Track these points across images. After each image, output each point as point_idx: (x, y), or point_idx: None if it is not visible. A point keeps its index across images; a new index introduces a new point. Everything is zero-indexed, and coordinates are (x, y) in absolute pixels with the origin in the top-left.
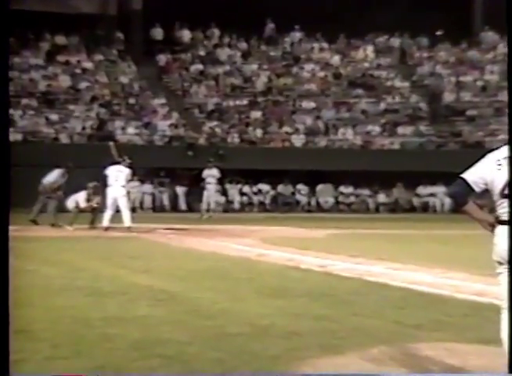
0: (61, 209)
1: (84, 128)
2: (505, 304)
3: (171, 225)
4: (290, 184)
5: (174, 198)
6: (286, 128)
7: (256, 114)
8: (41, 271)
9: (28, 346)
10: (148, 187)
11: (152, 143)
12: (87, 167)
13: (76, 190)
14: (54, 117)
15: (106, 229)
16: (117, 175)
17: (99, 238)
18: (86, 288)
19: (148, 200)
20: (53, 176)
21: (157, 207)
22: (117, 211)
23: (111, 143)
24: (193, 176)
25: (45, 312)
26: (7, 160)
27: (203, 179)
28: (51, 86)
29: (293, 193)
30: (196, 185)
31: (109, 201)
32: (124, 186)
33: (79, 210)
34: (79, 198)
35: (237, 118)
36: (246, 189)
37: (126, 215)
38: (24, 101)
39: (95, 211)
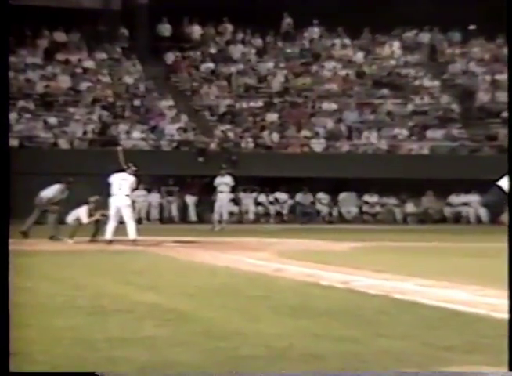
0: (60, 221)
1: (85, 133)
2: None
3: (180, 237)
4: (309, 193)
5: (183, 208)
6: (304, 132)
7: (272, 117)
8: (39, 288)
9: (26, 368)
10: (155, 196)
11: (159, 149)
12: (89, 175)
13: (77, 204)
14: (53, 120)
15: (110, 242)
16: (121, 184)
17: (101, 252)
18: (88, 307)
19: (155, 211)
20: (52, 191)
21: (165, 219)
22: (121, 222)
23: (119, 148)
24: (204, 184)
25: (44, 333)
26: (7, 176)
27: (214, 188)
28: (49, 87)
29: (313, 203)
30: (207, 194)
31: (112, 212)
32: (128, 196)
33: (80, 223)
34: (80, 213)
35: (251, 121)
36: (261, 198)
37: (131, 226)
38: (20, 103)
39: (99, 224)
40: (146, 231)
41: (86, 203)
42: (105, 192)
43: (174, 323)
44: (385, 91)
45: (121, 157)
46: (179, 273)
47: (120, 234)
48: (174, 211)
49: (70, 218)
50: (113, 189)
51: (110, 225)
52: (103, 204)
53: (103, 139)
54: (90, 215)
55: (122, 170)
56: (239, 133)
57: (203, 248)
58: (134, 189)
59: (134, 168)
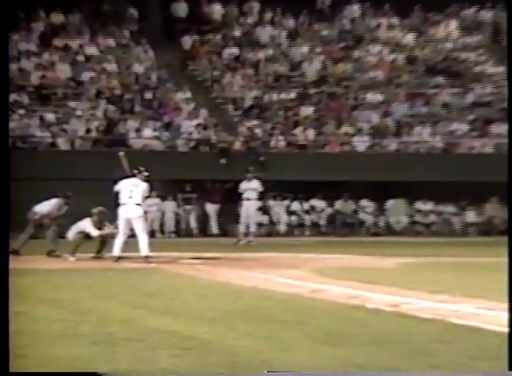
0: (60, 235)
1: (88, 131)
2: None
3: (199, 253)
4: (351, 199)
5: (203, 219)
6: (345, 128)
7: (307, 110)
8: (36, 313)
9: None
10: (170, 205)
11: (174, 149)
12: (92, 180)
13: (79, 216)
14: (50, 117)
15: (117, 259)
16: (132, 191)
17: (108, 271)
18: (93, 335)
19: (170, 222)
20: (48, 207)
21: (182, 231)
22: (131, 235)
23: (121, 154)
24: (227, 191)
25: (42, 365)
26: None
27: (240, 194)
28: (46, 78)
29: (355, 212)
30: (230, 202)
31: (121, 224)
32: (139, 205)
33: (85, 235)
34: (85, 227)
35: (283, 116)
36: (295, 206)
37: (143, 240)
38: (12, 97)
39: (105, 240)
40: (159, 246)
41: (89, 215)
42: (112, 201)
43: (193, 353)
44: (440, 79)
45: (125, 163)
46: (199, 295)
47: (129, 250)
48: (193, 223)
49: (71, 233)
50: (123, 198)
51: (119, 240)
52: (109, 217)
53: (109, 138)
54: (98, 228)
55: (132, 175)
56: (269, 130)
57: (227, 266)
58: (146, 198)
59: (146, 173)
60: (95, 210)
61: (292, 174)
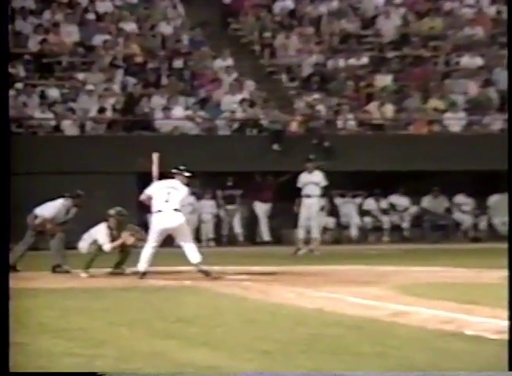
0: (68, 245)
1: (102, 111)
2: None
3: (247, 266)
4: (442, 195)
5: (250, 222)
6: (434, 102)
7: (383, 80)
8: (39, 345)
9: None
10: (208, 205)
11: (212, 132)
12: (107, 174)
13: (92, 221)
14: (53, 93)
15: (143, 275)
16: (169, 194)
17: (130, 290)
18: (110, 372)
19: (208, 227)
20: (52, 209)
21: (224, 238)
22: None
23: (156, 155)
24: (282, 185)
25: None
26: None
27: (298, 190)
28: (47, 43)
29: (448, 210)
30: (286, 200)
31: (153, 234)
32: (178, 211)
33: (100, 248)
34: (98, 235)
35: (352, 87)
36: (369, 204)
37: (190, 248)
38: None
39: (127, 250)
40: None
41: (105, 219)
42: (133, 201)
43: None
44: None
45: (155, 167)
46: (247, 320)
47: (157, 262)
48: (237, 227)
49: (84, 243)
50: (157, 203)
51: (147, 251)
52: (130, 220)
53: (129, 119)
54: (112, 236)
55: (171, 176)
56: (334, 106)
57: (283, 283)
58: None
59: (187, 174)
60: (111, 211)
61: (365, 163)
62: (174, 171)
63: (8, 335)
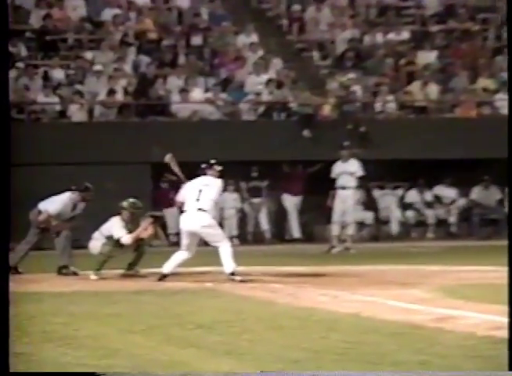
0: (76, 244)
1: (111, 93)
2: None
3: (275, 267)
4: (494, 186)
5: (278, 217)
6: (483, 82)
7: (427, 57)
8: (44, 355)
9: None
10: (231, 199)
11: (235, 117)
12: (118, 164)
13: (101, 217)
14: (58, 74)
15: (163, 277)
16: (201, 192)
17: (145, 293)
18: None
19: (231, 223)
20: (57, 204)
21: (249, 235)
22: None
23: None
24: (313, 176)
25: None
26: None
27: (332, 181)
28: (51, 18)
29: (501, 202)
30: (318, 192)
31: (184, 239)
32: (203, 210)
33: (115, 243)
34: (113, 230)
35: (391, 66)
36: (412, 196)
37: (223, 253)
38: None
39: (142, 249)
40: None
41: (117, 213)
42: (148, 194)
43: None
44: None
45: (175, 167)
46: (275, 327)
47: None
48: (264, 223)
49: (96, 243)
50: (187, 203)
51: (179, 256)
52: (144, 212)
53: (142, 103)
54: (129, 228)
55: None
56: (371, 87)
57: (315, 285)
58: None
59: (218, 167)
60: (124, 203)
61: (407, 150)
62: (203, 166)
63: (8, 336)
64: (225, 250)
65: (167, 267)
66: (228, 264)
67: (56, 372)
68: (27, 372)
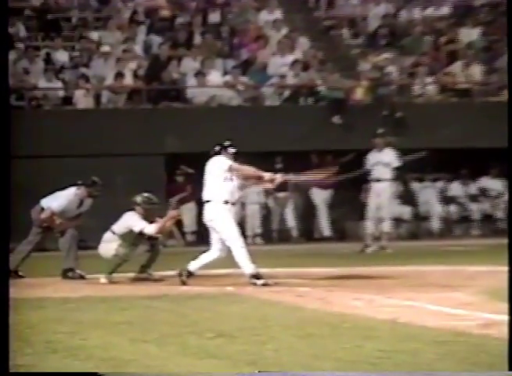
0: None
1: (119, 77)
2: None
3: (302, 268)
4: None
5: (306, 213)
6: None
7: (469, 34)
8: (48, 367)
9: None
10: (253, 193)
11: (257, 103)
12: (130, 156)
13: (113, 214)
14: (61, 56)
15: (188, 276)
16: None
17: (159, 298)
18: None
19: (254, 220)
20: (62, 201)
21: (273, 233)
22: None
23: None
24: (344, 167)
25: None
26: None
27: (365, 173)
28: None
29: None
30: (350, 184)
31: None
32: (212, 201)
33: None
34: (130, 223)
35: (430, 44)
36: (455, 189)
37: (238, 256)
38: None
39: (156, 249)
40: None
41: (131, 209)
42: (161, 188)
43: None
44: None
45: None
46: (303, 335)
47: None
48: (290, 220)
49: (108, 245)
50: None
51: (208, 256)
52: (162, 208)
53: (155, 87)
54: (150, 221)
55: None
56: (408, 67)
57: (347, 288)
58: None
59: (232, 149)
60: (138, 198)
61: (448, 138)
62: (217, 148)
63: (8, 336)
64: (237, 251)
65: (194, 265)
66: (245, 266)
67: (56, 372)
68: (27, 372)
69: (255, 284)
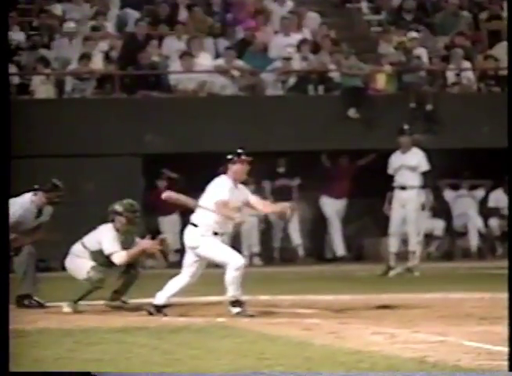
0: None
1: (87, 60)
2: None
3: (310, 295)
4: None
5: (315, 227)
6: None
7: None
8: None
9: None
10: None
11: (257, 92)
12: (100, 156)
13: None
14: (15, 35)
15: (161, 309)
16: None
17: (134, 331)
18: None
19: (251, 236)
20: (13, 210)
21: (275, 252)
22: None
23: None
24: (362, 171)
25: None
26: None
27: (388, 179)
28: None
29: None
30: (369, 193)
31: (186, 258)
32: (196, 225)
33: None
34: (103, 240)
35: (468, 22)
36: (496, 199)
37: (229, 276)
38: None
39: (135, 272)
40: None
41: (108, 220)
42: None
43: None
44: None
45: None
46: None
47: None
48: (296, 236)
49: (77, 262)
50: None
51: (179, 281)
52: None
53: (130, 73)
54: (124, 243)
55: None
56: (441, 50)
57: (365, 319)
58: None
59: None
60: (117, 206)
61: (489, 137)
62: (230, 157)
63: (8, 336)
64: (229, 273)
65: (163, 295)
66: (228, 289)
67: (56, 372)
68: (27, 372)
69: (231, 312)
